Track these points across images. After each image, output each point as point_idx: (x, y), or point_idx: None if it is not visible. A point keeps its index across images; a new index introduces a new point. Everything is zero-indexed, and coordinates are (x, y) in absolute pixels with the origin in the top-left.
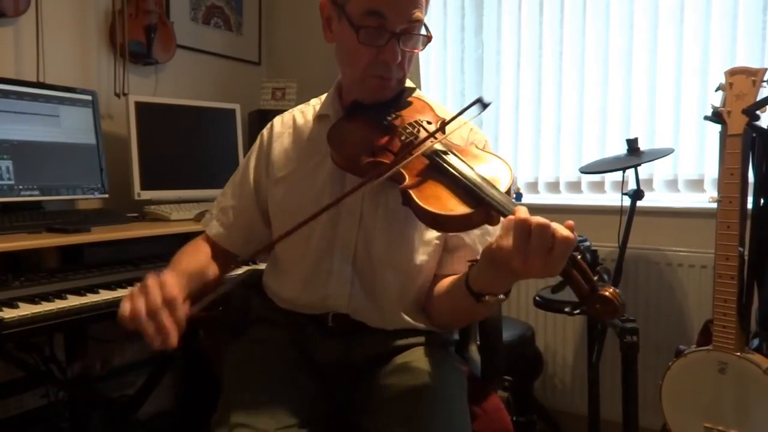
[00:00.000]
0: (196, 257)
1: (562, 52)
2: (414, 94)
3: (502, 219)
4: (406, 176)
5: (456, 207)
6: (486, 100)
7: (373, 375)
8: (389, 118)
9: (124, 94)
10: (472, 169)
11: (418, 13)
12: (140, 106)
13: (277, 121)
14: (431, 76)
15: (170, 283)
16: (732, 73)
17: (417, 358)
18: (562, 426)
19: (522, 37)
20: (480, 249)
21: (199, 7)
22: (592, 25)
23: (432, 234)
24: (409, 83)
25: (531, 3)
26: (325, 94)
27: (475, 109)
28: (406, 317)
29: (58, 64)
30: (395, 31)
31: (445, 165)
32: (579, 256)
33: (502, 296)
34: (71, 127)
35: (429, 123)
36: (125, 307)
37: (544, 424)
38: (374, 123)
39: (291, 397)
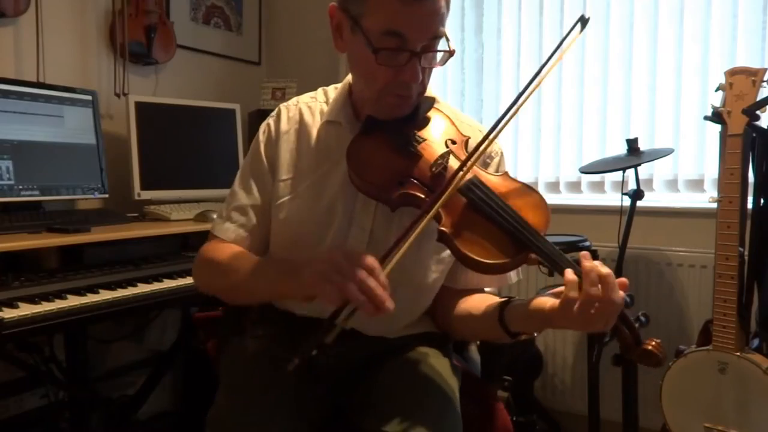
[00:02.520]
0: (249, 255)
1: None
2: (434, 105)
3: (541, 266)
4: (443, 215)
5: (497, 255)
6: (586, 16)
7: (370, 374)
8: (415, 144)
9: (124, 94)
10: (512, 210)
11: (441, 29)
12: (140, 106)
13: (284, 113)
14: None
15: (357, 252)
16: (732, 73)
17: (413, 356)
18: (562, 426)
19: (522, 37)
20: None
21: (199, 7)
22: (592, 25)
23: (446, 252)
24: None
25: (531, 3)
26: (332, 88)
27: (577, 28)
28: (411, 328)
29: (58, 64)
30: (416, 50)
31: (485, 207)
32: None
33: (535, 334)
34: (71, 127)
35: (453, 143)
36: (330, 293)
37: (544, 424)
38: (398, 147)
39: (287, 397)
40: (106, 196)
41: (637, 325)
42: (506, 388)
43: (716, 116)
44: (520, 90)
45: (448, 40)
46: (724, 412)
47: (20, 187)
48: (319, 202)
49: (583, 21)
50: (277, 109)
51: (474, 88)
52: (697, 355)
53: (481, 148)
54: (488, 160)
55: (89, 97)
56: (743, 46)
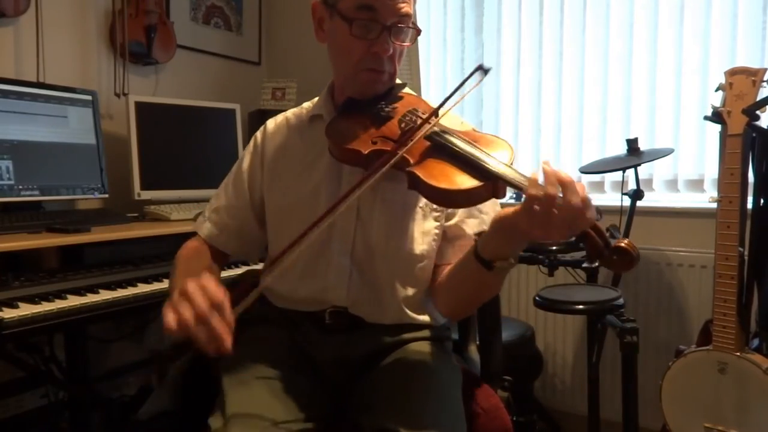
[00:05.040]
0: (201, 260)
1: (562, 52)
2: (404, 90)
3: (509, 190)
4: (410, 159)
5: (464, 181)
6: (486, 66)
7: (370, 372)
8: (386, 110)
9: (124, 94)
10: (474, 145)
11: (406, 8)
12: (140, 106)
13: (270, 123)
14: (431, 76)
15: (213, 286)
16: (732, 73)
17: (412, 354)
18: (562, 426)
19: (522, 37)
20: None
21: (199, 7)
22: (592, 25)
23: (431, 224)
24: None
25: (531, 3)
26: (317, 98)
27: (476, 77)
28: (406, 309)
29: (58, 64)
30: (386, 24)
31: (447, 144)
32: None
33: (512, 260)
34: (72, 127)
35: (424, 113)
36: (170, 318)
37: (544, 424)
38: (371, 115)
39: (288, 395)
40: (106, 196)
41: (608, 234)
42: (506, 388)
43: (716, 116)
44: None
45: (414, 23)
46: (724, 412)
47: (20, 187)
48: (304, 189)
49: (484, 70)
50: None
51: (474, 88)
52: (697, 355)
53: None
54: None
55: (89, 97)
56: (743, 46)
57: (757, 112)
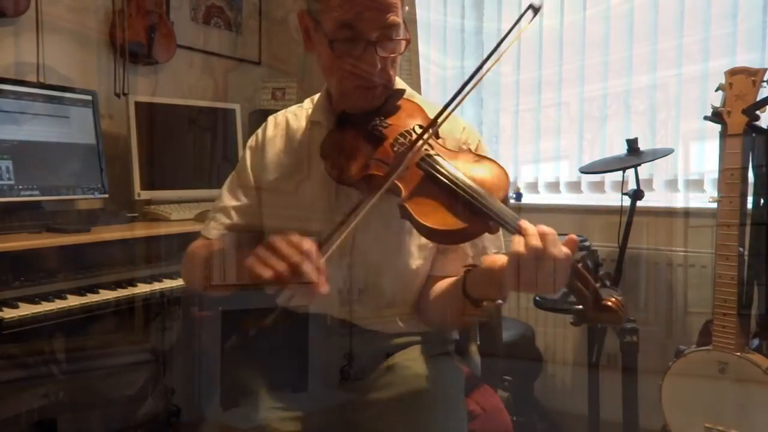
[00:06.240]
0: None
1: (562, 52)
2: (404, 96)
3: (501, 229)
4: (403, 189)
5: (453, 221)
6: (537, 4)
7: (372, 374)
8: (380, 128)
9: (124, 94)
10: (467, 177)
11: (393, 18)
12: (140, 106)
13: (271, 121)
14: (431, 77)
15: (297, 236)
16: (732, 73)
17: (415, 356)
18: (562, 426)
19: (522, 37)
20: (470, 252)
21: (199, 7)
22: (592, 25)
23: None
24: (400, 83)
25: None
26: (318, 95)
27: (528, 15)
28: (406, 323)
29: (58, 64)
30: (370, 40)
31: (439, 176)
32: (580, 265)
33: (500, 301)
34: (71, 127)
35: (421, 127)
36: (263, 272)
37: (544, 424)
38: (365, 134)
39: (289, 396)
40: (106, 196)
41: (598, 285)
42: (506, 388)
43: (716, 116)
44: (472, 72)
45: (407, 28)
46: (724, 412)
47: (20, 187)
48: (301, 199)
49: (534, 9)
50: (266, 120)
51: (473, 89)
52: (697, 355)
53: (440, 120)
54: (463, 147)
55: (89, 97)
56: (743, 46)
57: (757, 112)
